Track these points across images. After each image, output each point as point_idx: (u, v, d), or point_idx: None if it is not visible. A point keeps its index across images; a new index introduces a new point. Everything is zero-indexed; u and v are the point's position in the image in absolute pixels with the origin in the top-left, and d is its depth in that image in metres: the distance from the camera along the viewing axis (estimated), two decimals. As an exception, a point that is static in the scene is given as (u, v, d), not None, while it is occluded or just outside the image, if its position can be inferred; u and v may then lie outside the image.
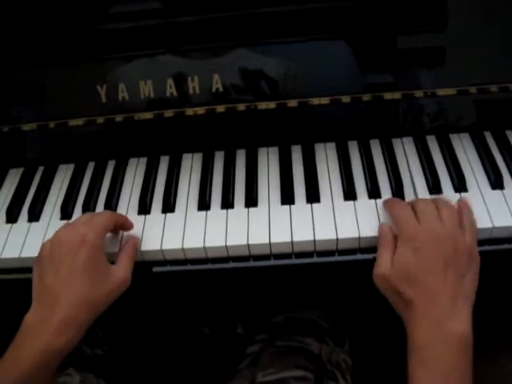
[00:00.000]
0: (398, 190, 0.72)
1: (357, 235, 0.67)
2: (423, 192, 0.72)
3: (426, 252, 0.60)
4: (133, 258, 0.68)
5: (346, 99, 0.78)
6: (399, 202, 0.68)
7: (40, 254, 0.65)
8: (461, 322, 0.57)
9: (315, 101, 0.78)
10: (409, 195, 0.72)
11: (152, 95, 0.78)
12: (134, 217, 0.73)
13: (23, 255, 0.72)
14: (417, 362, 0.57)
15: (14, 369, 0.58)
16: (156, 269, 0.73)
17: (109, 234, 0.69)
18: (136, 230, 0.72)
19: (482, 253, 0.68)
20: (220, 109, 0.79)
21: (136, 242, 0.70)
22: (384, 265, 0.62)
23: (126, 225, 0.72)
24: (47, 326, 0.59)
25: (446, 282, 0.58)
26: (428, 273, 0.59)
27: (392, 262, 0.61)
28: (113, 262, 0.66)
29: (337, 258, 0.69)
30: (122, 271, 0.66)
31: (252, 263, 0.70)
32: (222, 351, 1.02)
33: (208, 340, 1.10)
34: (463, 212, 0.65)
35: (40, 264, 0.64)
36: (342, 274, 0.64)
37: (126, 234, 0.72)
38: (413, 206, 0.65)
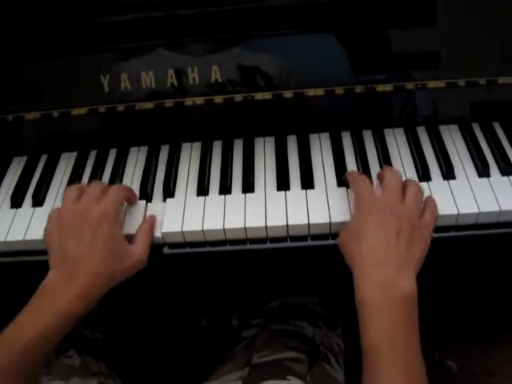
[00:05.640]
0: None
1: (349, 219, 0.69)
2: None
3: (378, 217, 0.64)
4: (151, 238, 0.71)
5: (339, 90, 0.80)
6: (359, 175, 0.71)
7: (58, 222, 0.67)
8: (404, 283, 0.60)
9: (310, 92, 0.80)
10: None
11: (153, 85, 0.80)
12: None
13: (27, 238, 0.74)
14: (365, 316, 0.60)
15: (31, 327, 0.60)
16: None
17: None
18: (138, 215, 0.74)
19: (468, 237, 0.71)
20: (218, 99, 0.81)
21: (153, 221, 0.72)
22: (343, 231, 0.66)
23: (131, 198, 0.74)
24: (68, 291, 0.62)
25: (395, 246, 0.62)
26: (378, 234, 0.63)
27: (348, 226, 0.66)
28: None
29: (330, 241, 0.72)
30: (139, 250, 0.68)
31: (249, 246, 0.73)
32: (217, 341, 1.05)
33: (204, 330, 1.12)
34: (429, 199, 0.69)
35: (60, 232, 0.66)
36: (334, 259, 0.67)
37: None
38: (380, 174, 0.69)
